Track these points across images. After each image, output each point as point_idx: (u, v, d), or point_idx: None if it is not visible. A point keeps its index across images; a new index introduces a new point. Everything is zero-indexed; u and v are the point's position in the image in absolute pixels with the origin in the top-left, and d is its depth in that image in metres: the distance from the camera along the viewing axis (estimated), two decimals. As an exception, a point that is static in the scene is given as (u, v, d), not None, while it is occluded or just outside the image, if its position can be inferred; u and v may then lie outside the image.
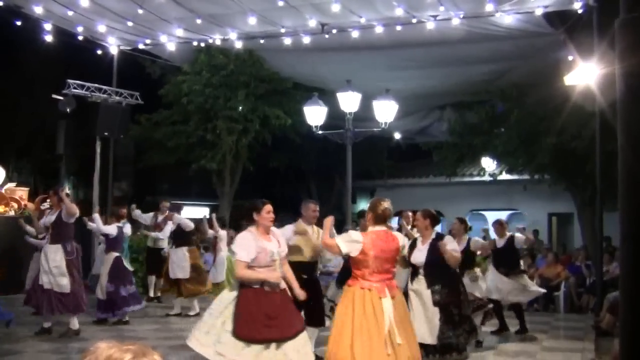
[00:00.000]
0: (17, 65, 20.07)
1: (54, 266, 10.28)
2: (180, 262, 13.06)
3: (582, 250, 16.55)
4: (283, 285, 6.76)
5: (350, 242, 6.55)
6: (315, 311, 8.93)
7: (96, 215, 12.26)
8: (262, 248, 6.66)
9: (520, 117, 16.60)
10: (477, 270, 10.40)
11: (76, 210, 10.61)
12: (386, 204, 6.75)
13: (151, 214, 14.39)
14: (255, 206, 6.82)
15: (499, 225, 11.63)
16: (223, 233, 13.61)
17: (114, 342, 2.16)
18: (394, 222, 11.12)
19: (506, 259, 11.35)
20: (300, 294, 6.91)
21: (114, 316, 11.74)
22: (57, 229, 10.45)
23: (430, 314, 7.94)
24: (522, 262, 12.80)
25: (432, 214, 8.54)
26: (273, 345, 6.45)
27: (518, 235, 11.48)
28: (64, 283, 10.31)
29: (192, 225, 13.25)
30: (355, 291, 6.48)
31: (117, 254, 11.73)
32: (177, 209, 13.80)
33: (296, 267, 8.21)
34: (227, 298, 6.68)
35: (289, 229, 8.86)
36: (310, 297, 8.22)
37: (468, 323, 8.33)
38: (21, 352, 9.31)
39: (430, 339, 7.86)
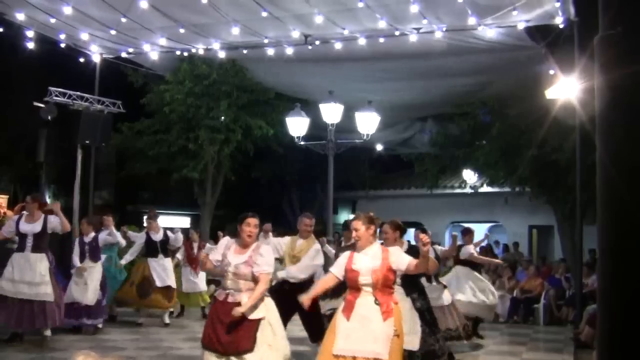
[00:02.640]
0: (-1, 72, 19.97)
1: (40, 275, 10.17)
2: (170, 271, 13.20)
3: (561, 263, 16.64)
4: (239, 299, 6.64)
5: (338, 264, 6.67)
6: (313, 326, 8.95)
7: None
8: (224, 255, 6.80)
9: (501, 129, 16.69)
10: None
11: (69, 227, 10.64)
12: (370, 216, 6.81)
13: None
14: (239, 217, 6.87)
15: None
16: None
17: (93, 353, 2.16)
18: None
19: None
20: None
21: (89, 324, 11.73)
22: (41, 238, 10.37)
23: (411, 322, 7.99)
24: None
25: (400, 224, 8.63)
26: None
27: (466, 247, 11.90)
28: (49, 292, 10.23)
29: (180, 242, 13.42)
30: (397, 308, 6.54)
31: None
32: (154, 217, 13.80)
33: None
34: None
35: (283, 242, 9.03)
36: (308, 312, 8.30)
37: (441, 330, 8.52)
38: (-1, 362, 9.26)
39: (412, 345, 7.90)
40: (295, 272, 8.90)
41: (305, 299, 6.54)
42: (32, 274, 10.12)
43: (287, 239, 9.16)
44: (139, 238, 13.32)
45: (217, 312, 6.66)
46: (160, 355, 10.10)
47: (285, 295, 8.02)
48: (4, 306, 10.07)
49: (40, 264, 10.24)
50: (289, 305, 7.82)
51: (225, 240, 6.97)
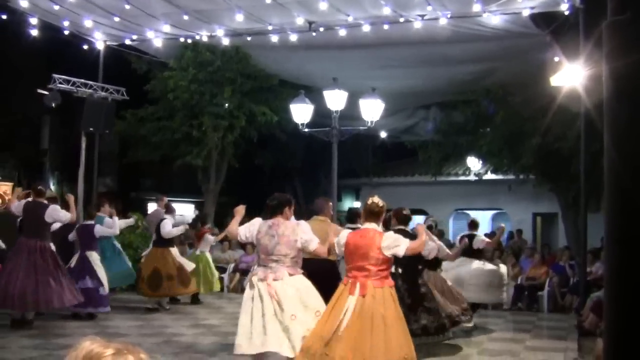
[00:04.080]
0: (3, 59, 19.92)
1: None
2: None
3: (565, 251, 16.62)
4: None
5: (339, 243, 6.99)
6: None
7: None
8: None
9: (505, 117, 16.65)
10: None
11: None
12: (371, 199, 6.93)
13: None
14: (289, 200, 7.44)
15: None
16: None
17: (99, 338, 2.15)
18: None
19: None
20: None
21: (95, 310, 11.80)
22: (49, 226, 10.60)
23: None
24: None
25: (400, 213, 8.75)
26: None
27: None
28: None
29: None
30: (340, 286, 6.81)
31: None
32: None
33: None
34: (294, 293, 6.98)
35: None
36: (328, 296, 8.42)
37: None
38: (2, 348, 9.26)
39: None
40: None
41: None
42: None
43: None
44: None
45: None
46: (164, 341, 10.12)
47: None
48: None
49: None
50: None
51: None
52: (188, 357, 9.08)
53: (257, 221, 7.39)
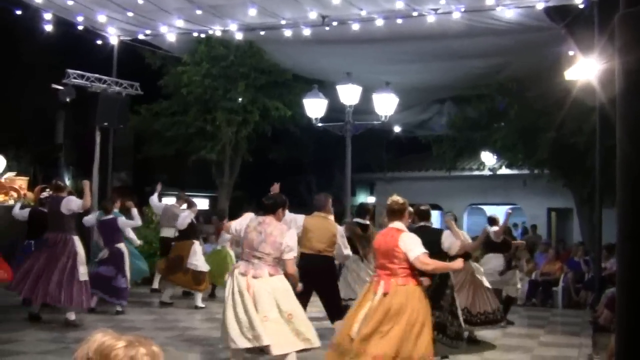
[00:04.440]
0: (17, 54, 20.02)
1: (82, 256, 10.60)
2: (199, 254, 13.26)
3: (580, 246, 16.55)
4: None
5: None
6: (333, 306, 9.04)
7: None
8: None
9: (519, 111, 16.57)
10: None
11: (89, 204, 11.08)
12: (391, 198, 6.90)
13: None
14: (284, 201, 7.45)
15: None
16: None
17: (111, 331, 2.17)
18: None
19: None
20: None
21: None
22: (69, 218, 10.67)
23: None
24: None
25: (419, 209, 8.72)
26: None
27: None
28: (85, 271, 10.65)
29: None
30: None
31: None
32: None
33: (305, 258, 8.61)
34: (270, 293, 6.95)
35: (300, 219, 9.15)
36: (326, 291, 8.49)
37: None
38: (20, 341, 9.33)
39: None
40: None
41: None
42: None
43: (302, 217, 9.32)
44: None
45: None
46: (177, 335, 10.16)
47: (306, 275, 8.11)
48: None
49: (80, 245, 10.74)
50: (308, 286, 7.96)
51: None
52: (200, 350, 9.11)
53: (248, 215, 7.45)
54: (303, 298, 8.96)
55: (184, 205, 13.91)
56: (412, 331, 6.43)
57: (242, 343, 6.90)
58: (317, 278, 7.62)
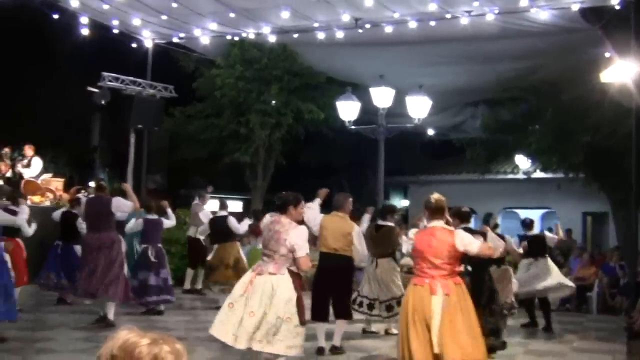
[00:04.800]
0: (54, 57, 20.29)
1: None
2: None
3: (615, 251, 16.33)
4: None
5: (408, 242, 6.93)
6: (340, 303, 9.08)
7: None
8: None
9: (554, 114, 16.40)
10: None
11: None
12: (433, 197, 6.82)
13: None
14: (297, 200, 7.15)
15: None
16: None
17: (136, 329, 2.19)
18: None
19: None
20: None
21: (141, 304, 11.93)
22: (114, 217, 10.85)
23: None
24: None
25: (462, 211, 8.69)
26: None
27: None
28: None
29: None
30: (411, 288, 6.64)
31: (144, 245, 12.17)
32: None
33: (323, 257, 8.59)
34: (284, 294, 6.80)
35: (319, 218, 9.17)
36: (338, 288, 8.48)
37: None
38: (54, 339, 9.45)
39: None
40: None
41: None
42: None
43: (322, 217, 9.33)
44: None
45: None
46: (208, 337, 10.14)
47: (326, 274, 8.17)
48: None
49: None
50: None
51: (305, 231, 7.23)
52: (232, 352, 9.11)
53: (267, 215, 7.47)
54: (322, 298, 9.04)
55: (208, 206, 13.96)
56: (476, 330, 6.54)
57: (219, 334, 7.01)
58: (332, 276, 7.62)
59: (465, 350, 6.35)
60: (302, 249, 6.85)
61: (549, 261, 12.14)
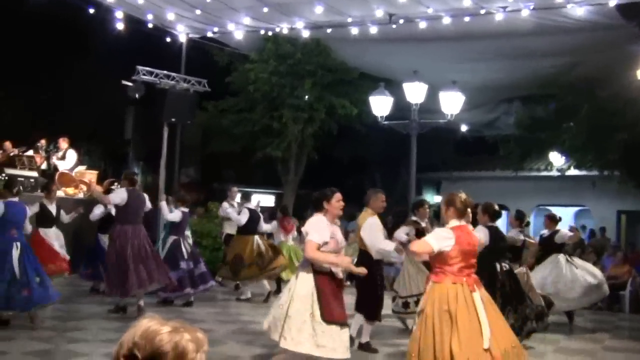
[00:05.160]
0: (89, 51, 20.53)
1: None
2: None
3: (650, 250, 16.14)
4: (340, 274, 6.83)
5: (442, 239, 6.32)
6: (369, 302, 8.98)
7: (163, 203, 12.56)
8: (333, 234, 6.80)
9: (590, 111, 16.22)
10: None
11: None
12: (464, 196, 6.66)
13: (225, 204, 14.50)
14: (325, 194, 6.88)
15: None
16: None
17: (158, 317, 2.22)
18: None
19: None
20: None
21: (175, 297, 12.04)
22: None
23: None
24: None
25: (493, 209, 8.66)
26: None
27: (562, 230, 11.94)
28: None
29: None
30: (447, 287, 6.28)
31: (175, 237, 12.24)
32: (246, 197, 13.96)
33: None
34: (300, 289, 6.69)
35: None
36: (365, 288, 8.41)
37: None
38: (85, 329, 9.59)
39: None
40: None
41: None
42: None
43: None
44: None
45: (336, 288, 6.81)
46: (238, 329, 10.26)
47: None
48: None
49: None
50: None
51: (321, 221, 6.85)
52: (260, 344, 9.15)
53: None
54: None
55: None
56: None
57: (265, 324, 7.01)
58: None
59: (511, 336, 6.33)
60: (310, 235, 6.73)
61: (560, 258, 11.88)
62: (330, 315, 6.56)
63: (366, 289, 9.07)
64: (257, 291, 13.40)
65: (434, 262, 6.43)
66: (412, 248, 6.56)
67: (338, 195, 6.87)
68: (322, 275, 6.68)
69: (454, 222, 6.46)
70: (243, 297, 13.30)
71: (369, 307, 9.08)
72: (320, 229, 6.73)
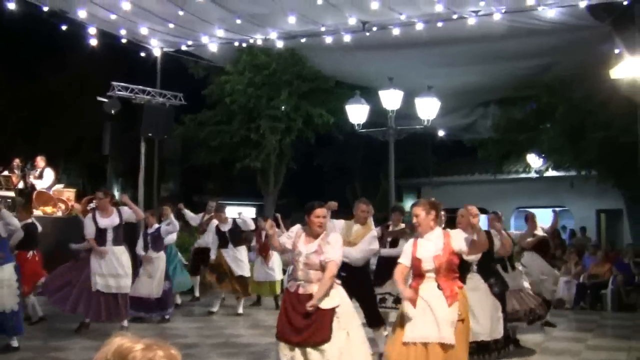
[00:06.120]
0: (64, 68, 20.44)
1: (124, 267, 10.34)
2: (244, 260, 13.16)
3: (630, 247, 16.22)
4: (310, 290, 6.43)
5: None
6: (371, 312, 8.84)
7: (186, 211, 12.74)
8: (294, 245, 6.63)
9: (565, 112, 16.34)
10: None
11: (142, 214, 11.10)
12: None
13: (200, 214, 14.55)
14: (307, 208, 6.65)
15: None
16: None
17: (129, 334, 2.20)
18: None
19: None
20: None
21: (158, 315, 11.94)
22: (119, 230, 10.43)
23: (492, 309, 8.19)
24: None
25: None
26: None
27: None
28: (128, 284, 10.48)
29: (252, 225, 13.34)
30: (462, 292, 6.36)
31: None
32: (221, 208, 13.80)
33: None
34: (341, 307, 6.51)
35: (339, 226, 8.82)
36: (363, 297, 8.30)
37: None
38: (67, 349, 9.49)
39: (497, 333, 8.18)
40: (353, 253, 8.62)
41: (406, 292, 6.26)
42: (118, 267, 10.23)
43: (341, 223, 8.97)
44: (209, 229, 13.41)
45: (290, 304, 6.49)
46: (222, 343, 10.20)
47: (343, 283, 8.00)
48: (87, 299, 10.22)
49: (123, 257, 10.39)
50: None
51: (296, 228, 6.76)
52: (245, 357, 9.13)
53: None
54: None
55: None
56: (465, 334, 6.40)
57: None
58: (350, 284, 7.37)
59: None
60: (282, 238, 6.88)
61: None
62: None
63: (367, 299, 8.94)
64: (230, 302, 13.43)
65: (452, 268, 6.32)
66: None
67: (318, 212, 6.57)
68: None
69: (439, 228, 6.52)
70: (215, 309, 13.23)
71: (375, 315, 8.95)
72: (287, 236, 6.78)
